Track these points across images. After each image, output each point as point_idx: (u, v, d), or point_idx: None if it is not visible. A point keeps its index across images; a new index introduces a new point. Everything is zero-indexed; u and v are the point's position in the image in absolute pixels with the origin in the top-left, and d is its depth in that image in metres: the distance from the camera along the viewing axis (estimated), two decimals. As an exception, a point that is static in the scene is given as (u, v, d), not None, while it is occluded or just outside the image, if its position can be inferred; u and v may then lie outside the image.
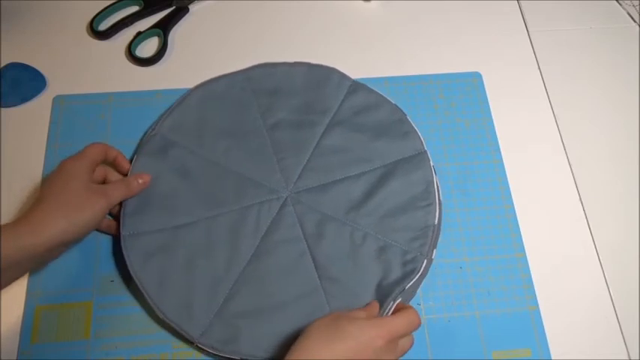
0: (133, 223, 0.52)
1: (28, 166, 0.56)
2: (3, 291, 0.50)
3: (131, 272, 0.50)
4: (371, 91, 0.60)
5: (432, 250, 0.52)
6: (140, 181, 0.52)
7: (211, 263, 0.51)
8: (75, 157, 0.49)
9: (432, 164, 0.56)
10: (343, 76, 0.61)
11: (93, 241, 0.53)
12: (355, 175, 0.56)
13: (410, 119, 0.58)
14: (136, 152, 0.56)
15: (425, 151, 0.57)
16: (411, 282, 0.50)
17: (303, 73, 0.61)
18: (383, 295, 0.50)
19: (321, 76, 0.61)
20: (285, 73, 0.61)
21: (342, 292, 0.50)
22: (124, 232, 0.52)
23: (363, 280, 0.51)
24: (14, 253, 0.42)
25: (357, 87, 0.60)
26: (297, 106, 0.59)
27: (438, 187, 0.55)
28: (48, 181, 0.48)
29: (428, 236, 0.52)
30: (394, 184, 0.55)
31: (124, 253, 0.51)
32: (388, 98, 0.59)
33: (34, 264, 0.46)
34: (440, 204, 0.54)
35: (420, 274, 0.51)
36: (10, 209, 0.54)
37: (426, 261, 0.51)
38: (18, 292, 0.50)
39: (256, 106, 0.59)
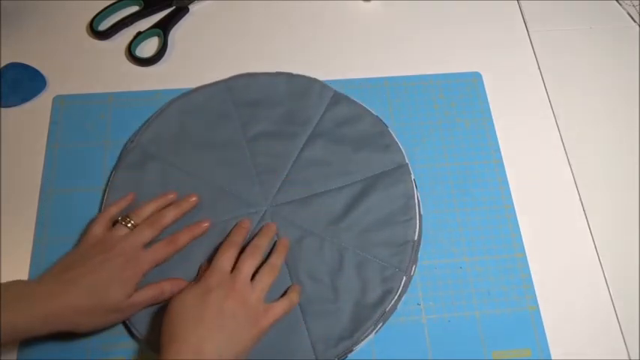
0: None
1: (28, 166, 0.56)
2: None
3: None
4: (352, 102, 0.60)
5: (412, 267, 0.52)
6: (169, 288, 0.48)
7: (187, 280, 0.50)
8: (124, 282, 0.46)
9: (413, 178, 0.56)
10: (324, 86, 0.60)
11: (93, 241, 0.53)
12: (336, 188, 0.55)
13: (392, 131, 0.58)
14: (115, 165, 0.56)
15: (406, 164, 0.56)
16: (391, 303, 0.50)
17: (284, 84, 0.60)
18: (362, 314, 0.49)
19: (302, 87, 0.60)
20: (266, 84, 0.60)
21: (320, 310, 0.49)
22: None
23: (342, 297, 0.50)
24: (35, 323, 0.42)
25: (338, 98, 0.60)
26: (277, 117, 0.58)
27: (418, 201, 0.55)
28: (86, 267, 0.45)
29: (407, 252, 0.52)
30: (374, 198, 0.54)
31: None
32: (370, 109, 0.59)
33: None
34: (420, 218, 0.54)
35: (398, 294, 0.50)
36: (10, 209, 0.54)
37: (405, 278, 0.51)
38: (18, 292, 0.50)
39: (236, 118, 0.58)
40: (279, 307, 0.47)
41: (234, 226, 0.52)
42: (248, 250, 0.49)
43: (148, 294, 0.47)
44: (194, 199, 0.53)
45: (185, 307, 0.44)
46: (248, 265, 0.47)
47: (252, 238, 0.51)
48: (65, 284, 0.44)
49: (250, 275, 0.47)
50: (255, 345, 0.45)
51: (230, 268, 0.47)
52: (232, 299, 0.44)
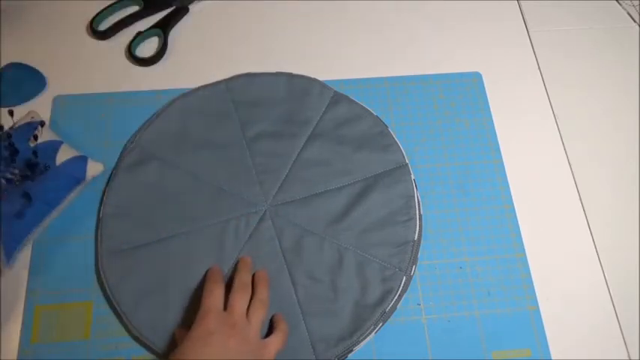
0: (111, 240, 0.52)
1: (28, 166, 0.56)
2: (3, 291, 0.50)
3: (107, 290, 0.50)
4: (353, 102, 0.60)
5: (412, 266, 0.52)
6: None
7: (188, 280, 0.50)
8: None
9: (413, 177, 0.56)
10: (324, 86, 0.60)
11: (92, 241, 0.53)
12: (336, 188, 0.55)
13: (392, 131, 0.58)
14: (115, 165, 0.56)
15: (406, 164, 0.56)
16: (391, 303, 0.50)
17: (284, 84, 0.60)
18: (362, 314, 0.49)
19: (302, 87, 0.60)
20: (266, 84, 0.60)
21: (320, 310, 0.50)
22: (101, 250, 0.51)
23: (342, 297, 0.50)
24: None
25: (338, 98, 0.60)
26: (277, 117, 0.58)
27: (418, 201, 0.55)
28: None
29: (407, 252, 0.52)
30: (374, 198, 0.54)
31: (101, 271, 0.50)
32: (370, 109, 0.59)
33: None
34: (420, 218, 0.54)
35: (398, 294, 0.50)
36: (10, 209, 0.54)
37: (405, 277, 0.51)
38: (18, 292, 0.50)
39: (237, 118, 0.58)
40: (276, 342, 0.46)
41: (207, 271, 0.50)
42: (235, 288, 0.47)
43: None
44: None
45: (188, 355, 0.42)
46: (240, 301, 0.46)
47: (232, 275, 0.50)
48: None
49: (245, 311, 0.46)
50: None
51: (222, 307, 0.46)
52: (234, 338, 0.43)
